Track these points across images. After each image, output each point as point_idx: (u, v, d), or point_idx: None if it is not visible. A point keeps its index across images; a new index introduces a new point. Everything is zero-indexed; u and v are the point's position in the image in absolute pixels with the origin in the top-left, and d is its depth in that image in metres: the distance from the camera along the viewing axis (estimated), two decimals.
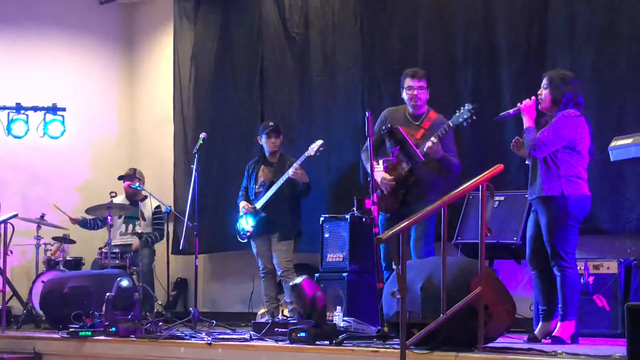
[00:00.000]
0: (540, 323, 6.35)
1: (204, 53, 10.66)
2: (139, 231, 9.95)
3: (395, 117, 7.37)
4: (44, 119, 10.57)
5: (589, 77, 7.34)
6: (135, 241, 9.89)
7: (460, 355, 5.24)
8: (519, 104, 6.42)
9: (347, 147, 8.78)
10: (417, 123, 7.33)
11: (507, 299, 5.79)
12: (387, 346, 5.80)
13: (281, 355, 6.27)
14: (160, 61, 11.52)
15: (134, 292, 7.67)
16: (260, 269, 8.71)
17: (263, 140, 8.71)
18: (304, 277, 6.63)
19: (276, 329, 6.85)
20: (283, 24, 9.73)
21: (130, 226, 10.12)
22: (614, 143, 6.33)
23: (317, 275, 7.92)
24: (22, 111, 10.48)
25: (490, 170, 5.73)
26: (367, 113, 6.85)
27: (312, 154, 8.31)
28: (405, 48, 8.64)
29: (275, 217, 8.50)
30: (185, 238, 8.88)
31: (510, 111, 6.52)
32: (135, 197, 10.29)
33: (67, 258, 10.03)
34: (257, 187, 8.66)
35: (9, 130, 10.46)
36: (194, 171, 8.30)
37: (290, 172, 8.33)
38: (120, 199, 10.31)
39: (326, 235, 8.03)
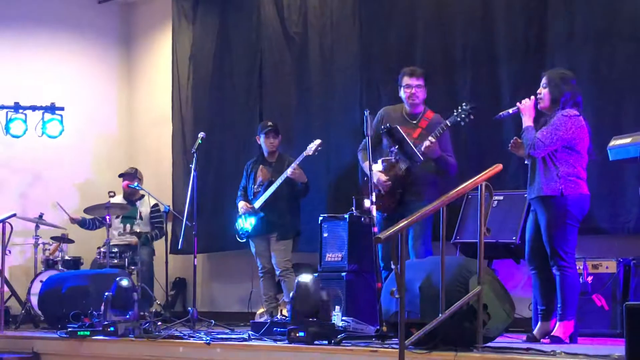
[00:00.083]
0: (539, 323, 6.35)
1: (202, 53, 10.66)
2: (138, 230, 9.96)
3: (392, 116, 7.37)
4: (43, 118, 10.56)
5: (588, 77, 7.34)
6: (134, 238, 9.89)
7: (459, 355, 5.23)
8: (518, 104, 6.43)
9: (346, 147, 8.77)
10: (415, 122, 7.33)
11: (506, 299, 5.79)
12: (386, 346, 5.80)
13: (280, 355, 6.27)
14: (159, 61, 11.51)
15: (133, 292, 7.67)
16: (259, 268, 8.71)
17: (261, 140, 8.70)
18: (312, 275, 6.63)
19: (275, 329, 6.85)
20: (282, 24, 9.72)
21: (129, 226, 10.12)
22: (612, 142, 6.33)
23: (315, 275, 7.90)
24: (21, 110, 10.47)
25: (489, 169, 5.74)
26: (365, 112, 6.86)
27: (310, 154, 8.31)
28: (404, 48, 8.64)
29: (274, 217, 8.50)
30: (184, 238, 8.89)
31: (510, 111, 6.52)
32: (133, 197, 10.29)
33: (66, 258, 10.04)
34: (255, 186, 8.65)
35: (7, 129, 10.45)
36: (192, 171, 8.30)
37: (288, 171, 8.32)
38: (118, 198, 10.31)
39: (325, 234, 8.04)
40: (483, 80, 8.10)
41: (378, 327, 6.22)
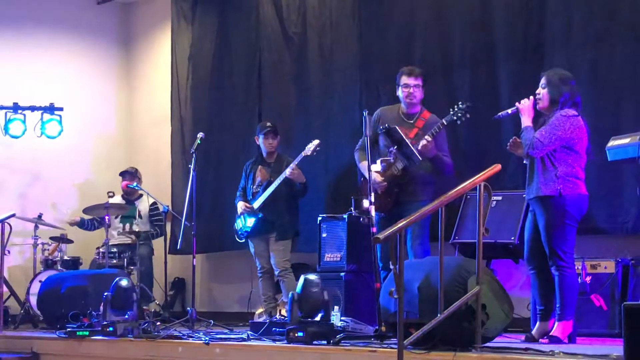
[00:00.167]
0: (537, 323, 6.35)
1: (201, 53, 10.66)
2: (137, 230, 9.97)
3: (388, 116, 7.37)
4: (42, 118, 10.56)
5: (587, 77, 7.34)
6: (132, 237, 9.89)
7: (458, 355, 5.24)
8: (517, 104, 6.44)
9: (345, 147, 8.77)
10: (411, 122, 7.33)
11: (505, 299, 5.79)
12: (385, 346, 5.81)
13: (279, 355, 6.27)
14: (158, 61, 11.52)
15: (132, 292, 7.67)
16: (258, 268, 8.71)
17: (260, 141, 8.70)
18: (316, 275, 6.62)
19: (274, 329, 6.86)
20: (281, 24, 9.72)
21: (128, 225, 10.13)
22: (611, 143, 6.34)
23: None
24: (20, 111, 10.47)
25: (488, 170, 5.74)
26: (364, 113, 6.87)
27: (308, 154, 8.31)
28: (403, 48, 8.64)
29: (272, 217, 8.50)
30: (182, 238, 8.91)
31: (509, 111, 6.53)
32: (131, 196, 10.30)
33: (65, 258, 10.03)
34: (254, 187, 8.66)
35: (6, 130, 10.45)
36: (191, 171, 8.30)
37: (287, 172, 8.33)
38: (117, 199, 10.32)
39: (324, 235, 8.04)
40: (482, 81, 8.10)
41: (377, 327, 6.23)
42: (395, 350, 5.15)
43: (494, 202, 7.17)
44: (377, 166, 7.21)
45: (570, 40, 7.57)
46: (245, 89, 10.12)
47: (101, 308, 7.53)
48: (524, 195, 6.58)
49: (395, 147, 7.09)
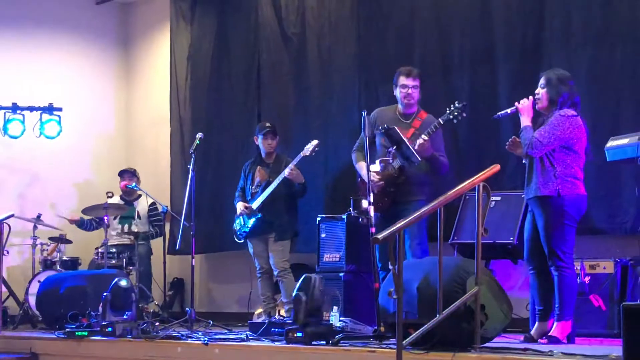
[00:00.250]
0: (536, 323, 6.35)
1: (200, 53, 10.66)
2: (136, 230, 9.97)
3: (385, 116, 7.38)
4: (41, 119, 10.54)
5: (586, 77, 7.35)
6: (131, 237, 9.89)
7: (457, 355, 5.24)
8: (516, 104, 6.44)
9: (344, 148, 8.76)
10: (408, 122, 7.34)
11: (504, 299, 5.79)
12: (384, 346, 5.81)
13: (278, 355, 6.27)
14: (157, 61, 11.52)
15: (131, 292, 7.67)
16: (257, 269, 8.71)
17: (259, 141, 8.70)
18: (319, 276, 6.60)
19: (273, 329, 6.86)
20: (279, 25, 9.72)
21: (126, 226, 10.13)
22: (610, 143, 6.36)
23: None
24: (19, 111, 10.46)
25: (487, 170, 5.74)
26: (363, 113, 6.87)
27: (307, 154, 8.30)
28: (402, 48, 8.64)
29: (271, 218, 8.50)
30: (181, 238, 8.91)
31: (508, 110, 6.54)
32: (130, 197, 10.30)
33: (64, 258, 10.03)
34: (253, 187, 8.66)
35: (5, 130, 10.44)
36: (190, 171, 8.29)
37: (286, 172, 8.33)
38: (116, 199, 10.32)
39: (323, 235, 8.03)
40: (481, 81, 8.10)
41: (376, 328, 6.22)
42: (394, 350, 5.15)
43: (493, 203, 7.17)
44: (376, 166, 7.22)
45: (569, 40, 7.57)
46: (244, 89, 10.12)
47: (100, 308, 7.53)
48: (523, 196, 6.58)
49: (395, 147, 7.09)
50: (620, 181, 7.15)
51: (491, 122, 7.21)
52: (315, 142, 8.32)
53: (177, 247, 9.30)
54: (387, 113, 7.45)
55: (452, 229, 7.52)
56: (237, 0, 10.35)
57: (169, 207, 10.26)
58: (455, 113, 7.06)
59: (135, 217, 10.16)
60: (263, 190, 8.51)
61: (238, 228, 8.67)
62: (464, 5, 8.28)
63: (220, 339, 6.88)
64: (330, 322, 6.83)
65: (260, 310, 8.68)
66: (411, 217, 5.48)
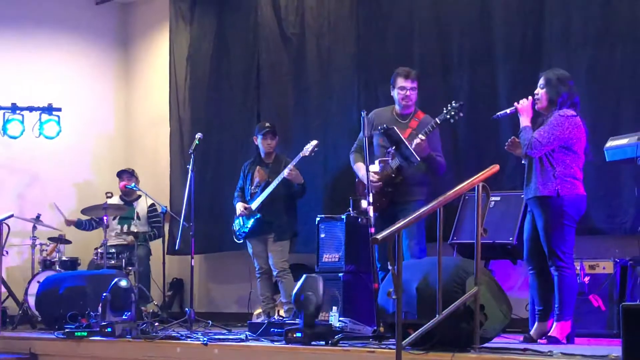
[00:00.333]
0: (536, 323, 6.35)
1: (199, 53, 10.66)
2: (135, 231, 9.96)
3: (382, 118, 7.37)
4: (40, 119, 10.54)
5: (586, 77, 7.35)
6: (130, 237, 9.88)
7: (456, 356, 5.24)
8: (515, 104, 6.44)
9: (343, 148, 8.76)
10: (405, 122, 7.34)
11: (503, 300, 5.79)
12: (383, 346, 5.80)
13: (277, 356, 6.27)
14: (156, 61, 11.52)
15: (131, 293, 7.67)
16: (256, 269, 8.71)
17: (259, 141, 8.70)
18: (320, 277, 6.59)
19: (272, 329, 6.85)
20: (279, 25, 9.72)
21: (126, 226, 10.12)
22: (609, 143, 6.35)
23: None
24: (18, 111, 10.46)
25: (486, 170, 5.74)
26: (362, 113, 6.87)
27: (306, 155, 8.30)
28: (402, 48, 8.63)
29: (271, 218, 8.50)
30: (181, 238, 8.90)
31: (507, 111, 6.54)
32: (130, 197, 10.29)
33: (63, 258, 10.03)
34: (252, 187, 8.65)
35: (4, 130, 10.44)
36: (189, 171, 8.29)
37: (285, 172, 8.32)
38: (115, 199, 10.32)
39: (322, 235, 8.04)
40: (481, 81, 8.10)
41: (375, 328, 6.22)
42: (394, 350, 5.14)
43: (492, 203, 7.17)
44: (375, 167, 7.22)
45: (569, 40, 7.56)
46: (243, 89, 10.12)
47: (100, 308, 7.53)
48: (522, 196, 6.58)
49: (394, 147, 7.09)
50: (620, 181, 7.15)
51: (491, 122, 7.21)
52: (314, 142, 8.32)
53: (176, 248, 9.29)
54: (385, 114, 7.45)
55: (452, 229, 7.52)
56: (236, 1, 10.35)
57: (169, 208, 10.26)
58: (452, 113, 7.06)
59: (135, 217, 10.16)
60: (262, 190, 8.51)
61: (237, 228, 8.67)
62: (463, 5, 8.27)
63: (219, 339, 6.88)
64: (330, 322, 6.82)
65: (259, 310, 8.68)
66: (411, 217, 5.47)
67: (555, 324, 6.19)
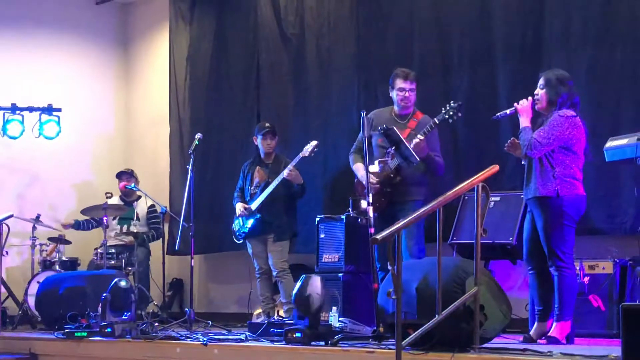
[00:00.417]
0: (535, 323, 6.35)
1: (199, 53, 10.66)
2: (135, 231, 9.96)
3: (381, 118, 7.36)
4: (40, 119, 10.55)
5: (586, 78, 7.34)
6: (130, 238, 9.88)
7: (456, 356, 5.24)
8: (515, 104, 6.44)
9: (343, 148, 8.76)
10: (404, 122, 7.34)
11: (503, 300, 5.79)
12: (383, 347, 5.80)
13: (277, 356, 6.26)
14: (156, 61, 11.52)
15: (131, 293, 7.67)
16: (256, 269, 8.71)
17: (259, 141, 8.70)
18: (319, 277, 6.59)
19: (272, 330, 6.85)
20: (279, 25, 9.72)
21: (125, 227, 10.12)
22: (609, 144, 6.35)
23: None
24: (18, 112, 10.46)
25: (486, 170, 5.74)
26: (362, 113, 6.87)
27: (306, 155, 8.30)
28: (401, 49, 8.63)
29: (270, 218, 8.50)
30: (181, 238, 8.90)
31: (507, 111, 6.54)
32: (129, 198, 10.29)
33: (63, 258, 10.03)
34: (252, 188, 8.65)
35: (4, 130, 10.44)
36: (189, 171, 8.29)
37: (284, 173, 8.32)
38: (115, 199, 10.32)
39: (322, 235, 8.04)
40: (481, 81, 8.10)
41: (375, 328, 6.22)
42: (394, 351, 5.14)
43: (492, 203, 7.17)
44: (375, 167, 7.22)
45: (569, 40, 7.56)
46: (243, 89, 10.12)
47: (99, 309, 7.53)
48: (522, 196, 6.57)
49: (393, 147, 7.09)
50: (620, 181, 7.15)
51: (490, 123, 7.21)
52: (314, 142, 8.32)
53: (176, 248, 9.28)
54: (383, 114, 7.45)
55: (451, 230, 7.52)
56: (236, 1, 10.35)
57: (168, 208, 10.25)
58: (451, 113, 7.06)
59: (134, 218, 10.16)
60: (262, 190, 8.51)
61: (237, 228, 8.67)
62: (463, 5, 8.27)
63: (219, 340, 6.88)
64: (329, 322, 6.82)
65: (259, 310, 8.68)
66: (410, 217, 5.47)
67: (555, 324, 6.18)
